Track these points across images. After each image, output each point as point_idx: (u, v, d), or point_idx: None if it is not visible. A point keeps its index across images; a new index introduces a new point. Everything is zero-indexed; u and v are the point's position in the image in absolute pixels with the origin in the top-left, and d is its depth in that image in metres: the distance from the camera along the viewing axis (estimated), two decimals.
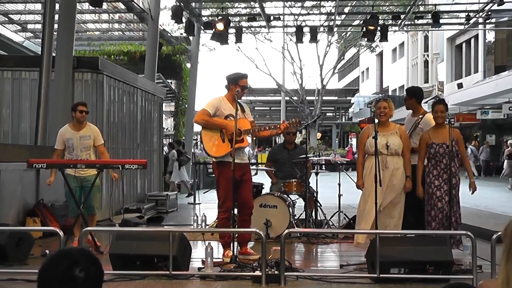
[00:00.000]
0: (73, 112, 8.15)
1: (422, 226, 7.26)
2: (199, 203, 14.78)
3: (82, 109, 8.14)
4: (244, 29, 19.56)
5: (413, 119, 7.94)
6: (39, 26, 19.02)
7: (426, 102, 28.73)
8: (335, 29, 22.27)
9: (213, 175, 19.87)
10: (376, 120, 7.25)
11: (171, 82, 23.09)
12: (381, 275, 5.85)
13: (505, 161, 24.37)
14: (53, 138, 10.51)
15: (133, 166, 7.56)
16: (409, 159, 7.28)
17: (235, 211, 7.31)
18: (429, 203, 7.16)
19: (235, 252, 6.78)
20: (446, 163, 7.06)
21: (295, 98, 42.43)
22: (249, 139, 7.55)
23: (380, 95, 48.25)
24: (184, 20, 16.25)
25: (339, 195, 10.12)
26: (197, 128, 28.21)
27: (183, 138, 21.36)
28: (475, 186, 7.21)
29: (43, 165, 7.42)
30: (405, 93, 8.43)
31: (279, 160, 10.06)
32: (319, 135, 47.05)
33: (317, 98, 41.81)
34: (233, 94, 7.18)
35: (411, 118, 8.07)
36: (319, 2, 24.27)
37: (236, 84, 7.20)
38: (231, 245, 6.88)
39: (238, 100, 7.22)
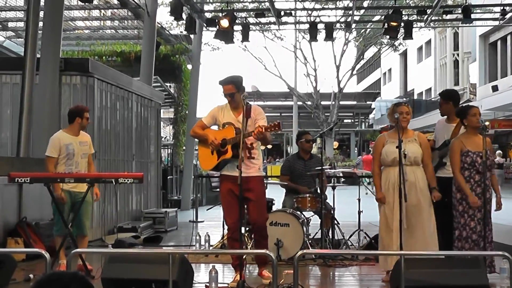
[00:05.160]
0: (77, 118, 8.24)
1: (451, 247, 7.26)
2: (201, 221, 14.77)
3: (89, 116, 8.40)
4: (251, 26, 19.60)
5: (449, 125, 7.90)
6: (21, 24, 19.13)
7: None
8: (353, 25, 22.27)
9: (217, 189, 19.85)
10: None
11: (170, 86, 23.12)
12: None
13: None
14: (37, 149, 10.58)
15: (128, 180, 7.56)
16: (432, 169, 7.35)
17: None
18: (459, 221, 7.14)
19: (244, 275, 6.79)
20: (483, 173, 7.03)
21: (309, 103, 42.43)
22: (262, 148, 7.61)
23: (404, 99, 48.26)
24: (184, 16, 16.28)
25: (359, 212, 10.08)
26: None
27: (183, 148, 21.40)
28: (501, 203, 7.25)
29: (27, 179, 7.42)
30: (439, 96, 8.42)
31: (294, 173, 10.04)
32: (336, 144, 47.01)
33: (333, 102, 41.82)
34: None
35: (445, 124, 8.03)
36: None
37: None
38: (240, 268, 6.92)
39: (251, 104, 7.43)
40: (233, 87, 7.29)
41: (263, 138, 7.05)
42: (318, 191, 9.60)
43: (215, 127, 7.57)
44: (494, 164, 7.20)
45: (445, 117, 8.16)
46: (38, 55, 11.09)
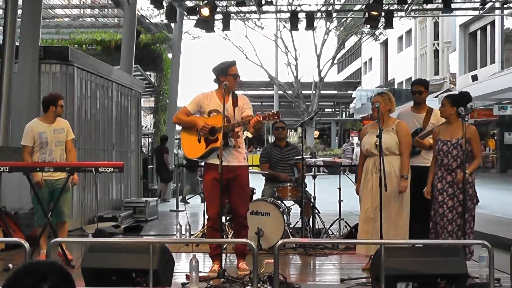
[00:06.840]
0: (51, 106, 8.13)
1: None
2: (182, 211, 14.76)
3: (63, 103, 8.30)
4: (232, 14, 19.54)
5: (417, 115, 7.93)
6: (0, 12, 18.95)
7: (437, 97, 28.87)
8: (334, 14, 22.29)
9: (200, 179, 19.73)
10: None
11: (150, 75, 23.03)
12: None
13: None
14: (16, 138, 10.47)
15: (108, 169, 7.54)
16: (406, 158, 7.35)
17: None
18: (432, 208, 7.21)
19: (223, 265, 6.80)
20: (448, 163, 7.08)
21: (290, 92, 42.42)
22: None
23: (384, 88, 48.44)
24: (165, 4, 16.22)
25: (340, 201, 10.12)
26: (180, 126, 28.06)
27: None
28: (460, 181, 6.88)
29: (6, 168, 7.37)
30: (417, 85, 8.22)
31: (271, 160, 10.06)
32: (316, 133, 47.09)
33: (314, 92, 41.84)
34: (222, 88, 7.08)
35: (412, 113, 8.05)
36: None
37: (226, 74, 7.18)
38: (219, 258, 6.91)
39: (235, 92, 7.28)
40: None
41: (260, 128, 7.09)
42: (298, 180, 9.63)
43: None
44: (458, 151, 7.13)
45: (409, 106, 8.27)
46: (17, 43, 10.99)
